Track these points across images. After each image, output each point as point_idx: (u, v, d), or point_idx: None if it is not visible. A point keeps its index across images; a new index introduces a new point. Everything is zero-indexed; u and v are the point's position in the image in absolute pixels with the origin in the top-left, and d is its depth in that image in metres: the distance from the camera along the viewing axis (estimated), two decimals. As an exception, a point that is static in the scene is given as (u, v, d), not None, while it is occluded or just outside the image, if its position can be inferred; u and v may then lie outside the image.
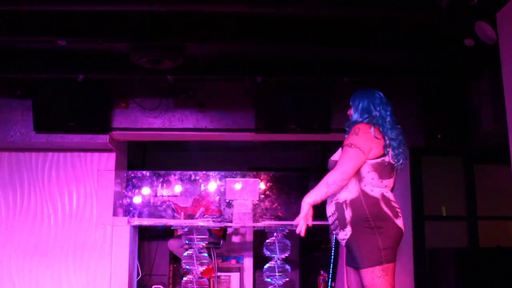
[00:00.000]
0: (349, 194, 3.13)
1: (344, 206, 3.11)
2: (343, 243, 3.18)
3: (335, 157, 3.24)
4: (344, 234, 3.11)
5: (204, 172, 6.80)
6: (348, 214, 3.09)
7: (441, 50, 4.93)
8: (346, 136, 3.28)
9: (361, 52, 5.18)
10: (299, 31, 4.67)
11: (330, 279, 6.32)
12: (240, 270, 7.87)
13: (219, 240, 6.78)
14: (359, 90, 3.54)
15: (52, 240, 6.10)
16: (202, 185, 6.74)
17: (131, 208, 6.85)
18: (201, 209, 6.52)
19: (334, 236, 6.19)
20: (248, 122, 5.97)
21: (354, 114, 3.43)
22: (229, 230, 7.96)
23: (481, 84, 5.59)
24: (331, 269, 6.29)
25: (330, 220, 3.18)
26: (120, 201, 6.65)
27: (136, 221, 6.25)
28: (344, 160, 3.11)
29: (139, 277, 6.35)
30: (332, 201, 3.16)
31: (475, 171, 6.49)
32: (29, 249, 6.06)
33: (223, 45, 5.08)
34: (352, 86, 5.95)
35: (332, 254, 6.32)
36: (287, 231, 5.89)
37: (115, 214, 6.25)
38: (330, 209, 3.18)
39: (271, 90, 5.71)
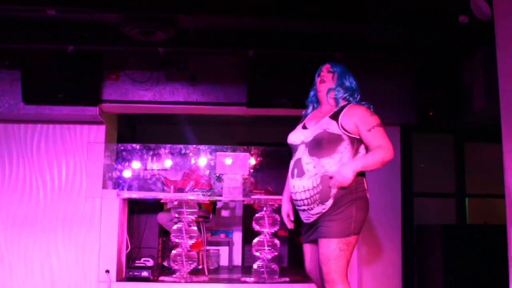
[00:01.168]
0: (332, 167, 3.08)
1: (326, 179, 3.06)
2: (313, 218, 3.11)
3: (332, 129, 3.11)
4: (322, 208, 3.06)
5: (194, 146, 6.77)
6: (331, 187, 3.05)
7: (435, 26, 4.91)
8: (338, 103, 3.27)
9: (355, 27, 5.15)
10: (293, 4, 4.62)
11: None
12: (229, 244, 7.92)
13: (208, 214, 6.78)
14: (344, 66, 3.50)
15: (41, 213, 6.07)
16: (192, 159, 6.71)
17: (120, 181, 6.83)
18: (191, 182, 6.51)
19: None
20: (240, 96, 5.93)
21: (343, 88, 3.34)
22: (219, 204, 7.98)
23: (474, 61, 5.58)
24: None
25: (308, 194, 3.04)
26: (110, 174, 6.62)
27: (126, 194, 6.21)
28: (385, 140, 3.21)
29: (128, 250, 6.34)
30: (315, 174, 3.06)
31: (466, 148, 6.52)
32: (18, 221, 6.03)
33: (215, 18, 5.03)
34: (345, 62, 5.93)
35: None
36: (276, 205, 5.91)
37: (104, 187, 6.22)
38: (310, 182, 3.05)
39: (263, 64, 5.66)
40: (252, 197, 6.00)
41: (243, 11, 4.66)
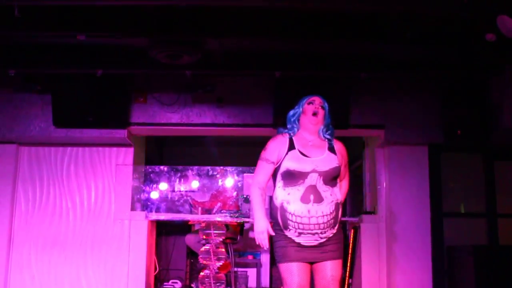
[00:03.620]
0: (340, 196, 3.46)
1: (340, 206, 3.39)
2: (321, 240, 3.30)
3: (337, 162, 3.44)
4: (331, 232, 3.33)
5: (221, 167, 6.81)
6: (340, 213, 3.39)
7: (461, 44, 4.87)
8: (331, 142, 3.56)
9: (380, 46, 5.14)
10: (318, 26, 4.65)
11: (348, 276, 6.29)
12: (257, 265, 7.88)
13: (236, 236, 6.79)
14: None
15: (71, 235, 6.14)
16: (220, 180, 6.74)
17: (148, 203, 6.90)
18: (219, 204, 6.53)
19: (352, 232, 6.18)
20: (266, 117, 5.95)
21: (330, 127, 3.61)
22: (247, 226, 7.97)
23: (503, 79, 5.52)
24: (348, 266, 6.27)
25: (325, 219, 3.27)
26: (138, 196, 6.68)
27: (154, 216, 6.28)
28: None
29: (156, 271, 6.38)
30: (332, 201, 3.32)
31: (495, 167, 6.41)
32: (48, 243, 6.11)
33: (242, 40, 5.07)
34: (371, 82, 5.94)
35: (350, 251, 6.28)
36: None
37: (133, 208, 6.27)
38: (328, 208, 3.30)
39: (289, 85, 5.68)
40: (280, 218, 5.97)
41: (269, 34, 4.69)
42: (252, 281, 7.84)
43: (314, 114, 3.51)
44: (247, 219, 6.23)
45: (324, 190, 3.31)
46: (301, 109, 3.57)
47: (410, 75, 5.79)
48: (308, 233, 3.26)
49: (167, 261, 6.91)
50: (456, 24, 4.63)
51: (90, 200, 6.22)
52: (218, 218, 5.96)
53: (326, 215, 3.26)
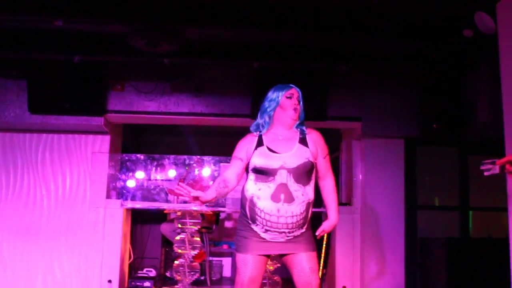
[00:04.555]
0: (312, 195, 3.31)
1: (311, 205, 3.27)
2: (287, 238, 3.23)
3: (310, 157, 3.28)
4: (300, 232, 3.24)
5: (198, 156, 6.79)
6: (310, 212, 3.26)
7: (440, 40, 4.92)
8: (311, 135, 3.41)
9: (361, 40, 5.17)
10: (298, 18, 4.65)
11: (322, 266, 6.35)
12: (232, 255, 7.90)
13: (211, 225, 6.80)
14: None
15: (45, 222, 6.08)
16: (196, 170, 6.73)
17: (124, 191, 6.85)
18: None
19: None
20: (244, 107, 5.95)
21: (302, 111, 3.46)
22: (222, 215, 7.99)
23: (478, 75, 5.59)
24: (322, 257, 6.32)
25: (294, 219, 3.18)
26: (114, 184, 6.64)
27: (129, 204, 6.25)
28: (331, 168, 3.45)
29: (131, 260, 6.36)
30: (303, 201, 3.21)
31: (470, 161, 6.52)
32: (21, 230, 6.05)
33: (221, 30, 5.05)
34: (349, 75, 5.98)
35: (325, 241, 6.33)
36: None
37: (108, 196, 6.24)
38: (299, 209, 3.19)
39: (268, 76, 5.67)
40: (256, 208, 5.99)
41: (249, 24, 4.68)
42: (226, 271, 7.87)
43: (295, 109, 3.37)
44: (222, 209, 6.24)
45: (295, 189, 3.21)
46: (277, 103, 3.40)
47: (388, 69, 5.84)
48: (276, 231, 3.20)
49: (142, 250, 6.89)
50: (435, 20, 4.68)
51: (65, 188, 6.16)
52: (194, 207, 5.95)
53: (296, 215, 3.18)
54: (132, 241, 6.45)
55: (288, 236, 3.22)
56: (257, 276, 3.27)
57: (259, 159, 3.25)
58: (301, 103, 3.42)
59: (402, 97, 6.10)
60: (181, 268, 5.86)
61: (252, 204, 3.22)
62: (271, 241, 3.24)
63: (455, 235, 6.38)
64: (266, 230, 3.20)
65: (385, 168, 6.14)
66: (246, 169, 3.39)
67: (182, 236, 5.89)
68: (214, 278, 7.19)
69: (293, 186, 3.20)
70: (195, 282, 5.99)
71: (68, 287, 5.94)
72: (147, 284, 5.81)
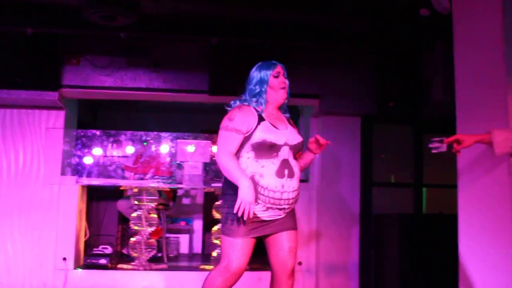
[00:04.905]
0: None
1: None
2: (283, 215, 3.25)
3: (298, 138, 3.33)
4: (293, 207, 3.31)
5: (155, 133, 6.73)
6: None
7: (397, 18, 4.97)
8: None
9: (319, 17, 5.17)
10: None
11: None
12: (189, 232, 7.91)
13: (168, 202, 6.77)
14: None
15: (-3, 199, 5.94)
16: (153, 146, 6.66)
17: (80, 168, 6.73)
18: (152, 170, 6.47)
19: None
20: (202, 84, 5.90)
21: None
22: (180, 192, 7.95)
23: (434, 54, 5.67)
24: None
25: (295, 194, 3.21)
26: (69, 160, 6.51)
27: (85, 181, 6.15)
28: None
29: (87, 237, 6.28)
30: (299, 176, 3.27)
31: (424, 140, 6.64)
32: (-27, 206, 5.89)
33: (179, 4, 4.97)
34: (308, 51, 5.98)
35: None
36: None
37: (63, 173, 6.12)
38: (297, 183, 3.24)
39: (227, 53, 5.65)
40: (213, 185, 6.00)
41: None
42: (184, 247, 7.87)
43: (284, 88, 3.33)
44: (180, 185, 6.21)
45: (294, 165, 3.23)
46: (267, 84, 3.30)
47: (346, 46, 5.86)
48: (276, 208, 3.17)
49: (98, 227, 6.79)
50: (393, -1, 4.71)
51: (18, 164, 6.00)
52: (150, 184, 5.91)
53: (296, 190, 3.21)
54: (88, 218, 6.36)
55: (284, 213, 3.24)
56: (246, 261, 3.23)
57: (267, 134, 3.17)
58: (287, 78, 3.39)
59: (360, 75, 6.15)
60: (137, 245, 5.83)
61: (254, 183, 3.13)
62: (266, 223, 3.21)
63: (409, 212, 6.52)
64: (268, 208, 3.17)
65: (342, 145, 6.20)
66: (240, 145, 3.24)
67: (138, 213, 5.85)
68: (171, 255, 7.17)
69: (293, 161, 3.23)
70: (152, 259, 5.97)
71: (21, 265, 5.82)
72: (102, 261, 5.74)
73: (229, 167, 3.14)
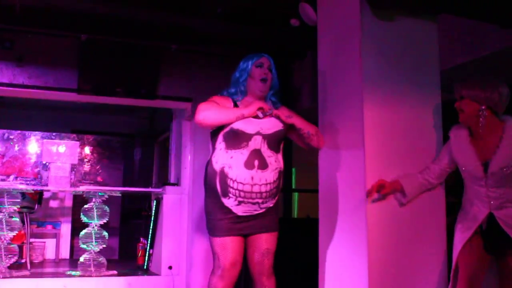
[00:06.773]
0: (282, 164, 3.26)
1: (282, 175, 3.21)
2: (260, 211, 3.15)
3: (277, 126, 3.23)
4: (272, 202, 3.18)
5: (19, 131, 6.37)
6: (281, 182, 3.22)
7: (269, 26, 5.09)
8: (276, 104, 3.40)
9: (192, 20, 5.16)
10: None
11: (148, 246, 6.32)
12: (56, 236, 7.57)
13: (33, 205, 6.46)
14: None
15: None
16: (17, 146, 6.31)
17: None
18: (15, 171, 6.15)
19: (155, 203, 6.19)
20: (71, 81, 5.65)
21: (276, 91, 3.51)
22: (47, 194, 7.60)
23: (304, 63, 5.89)
24: (149, 237, 6.29)
25: (268, 188, 3.09)
26: None
27: None
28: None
29: None
30: (276, 168, 3.15)
31: (294, 146, 6.85)
32: None
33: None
34: (181, 54, 5.95)
35: (152, 221, 6.31)
36: (106, 196, 5.78)
37: None
38: (272, 176, 3.11)
39: (97, 50, 5.47)
40: (81, 187, 5.82)
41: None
42: (50, 253, 7.51)
43: (263, 80, 3.29)
44: (46, 188, 5.95)
45: (268, 155, 3.11)
46: (248, 73, 3.31)
47: (217, 50, 5.91)
48: (249, 202, 3.06)
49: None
50: (265, 6, 4.79)
51: None
52: (14, 186, 5.60)
53: (270, 183, 3.08)
54: None
55: (260, 208, 3.11)
56: (239, 259, 3.17)
57: (236, 122, 3.10)
58: (273, 71, 3.37)
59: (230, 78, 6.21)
60: (-4, 251, 5.49)
61: (223, 176, 3.05)
62: (242, 218, 3.11)
63: (280, 216, 6.70)
64: (240, 202, 3.06)
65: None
66: (213, 139, 3.20)
67: (-1, 216, 5.51)
68: (36, 261, 6.83)
69: (267, 152, 3.11)
70: (14, 266, 5.65)
71: None
72: (-45, 268, 5.33)
73: (215, 112, 3.13)
